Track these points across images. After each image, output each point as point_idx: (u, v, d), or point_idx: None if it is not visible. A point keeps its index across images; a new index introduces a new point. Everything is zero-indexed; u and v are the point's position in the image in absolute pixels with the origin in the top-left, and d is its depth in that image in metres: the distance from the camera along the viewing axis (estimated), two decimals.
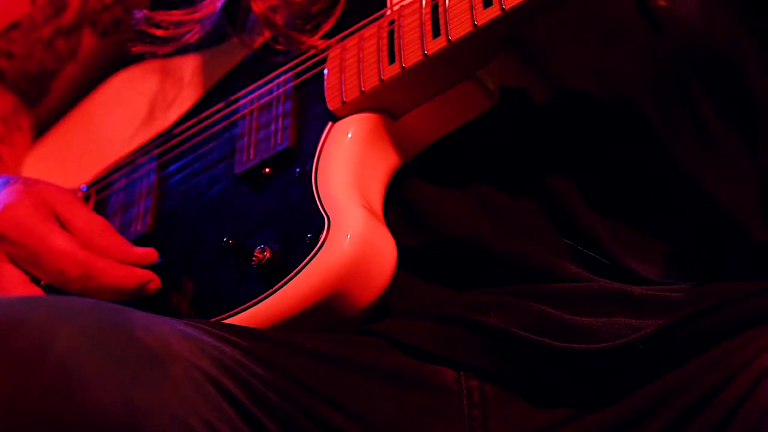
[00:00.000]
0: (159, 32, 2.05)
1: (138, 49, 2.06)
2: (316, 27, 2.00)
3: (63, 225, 1.94)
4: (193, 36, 2.04)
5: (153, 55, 2.07)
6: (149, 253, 1.96)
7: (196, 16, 2.04)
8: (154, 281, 1.93)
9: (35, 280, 1.92)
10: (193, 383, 1.55)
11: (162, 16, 2.05)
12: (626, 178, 1.95)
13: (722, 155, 1.97)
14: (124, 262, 1.92)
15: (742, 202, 1.95)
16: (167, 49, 2.05)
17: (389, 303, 1.87)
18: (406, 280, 1.89)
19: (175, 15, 2.05)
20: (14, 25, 2.28)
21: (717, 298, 1.74)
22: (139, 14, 2.06)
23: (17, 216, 1.91)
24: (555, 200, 1.92)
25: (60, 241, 1.89)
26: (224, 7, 2.05)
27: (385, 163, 1.92)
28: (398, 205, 1.94)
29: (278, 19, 2.00)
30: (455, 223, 1.92)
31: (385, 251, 1.82)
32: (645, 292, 1.82)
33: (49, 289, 1.93)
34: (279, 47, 2.03)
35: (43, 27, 2.28)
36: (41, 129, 2.38)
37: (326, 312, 1.80)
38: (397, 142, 1.93)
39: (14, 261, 1.91)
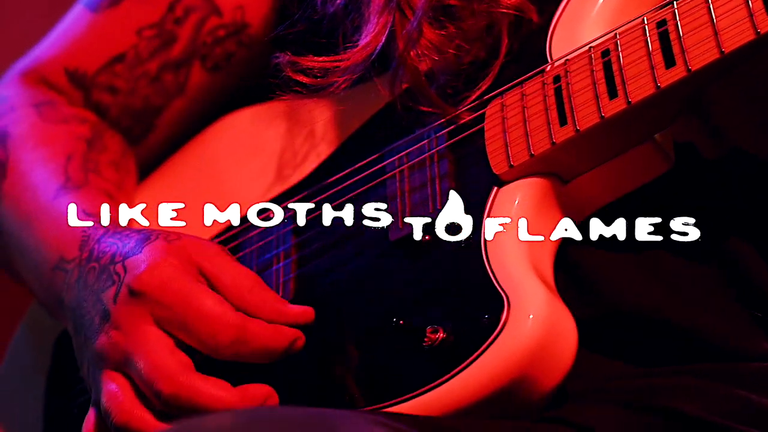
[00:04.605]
0: (305, 80, 1.87)
1: (285, 97, 1.88)
2: (469, 83, 1.86)
3: (210, 282, 1.80)
4: (340, 86, 1.87)
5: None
6: (306, 312, 1.82)
7: (345, 64, 1.86)
8: (301, 339, 1.80)
9: (181, 345, 1.78)
10: None
11: (309, 62, 1.88)
12: None
13: None
14: (278, 322, 1.80)
15: None
16: (313, 98, 1.89)
17: None
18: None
19: (324, 62, 1.87)
20: (118, 58, 2.14)
21: None
22: (284, 58, 1.88)
23: (163, 276, 1.77)
24: (736, 264, 1.80)
25: (210, 303, 1.76)
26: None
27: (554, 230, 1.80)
28: (564, 273, 1.82)
29: (424, 68, 1.85)
30: (627, 292, 1.80)
31: (567, 331, 1.71)
32: None
33: (196, 357, 1.78)
34: (421, 107, 1.88)
35: (150, 61, 2.13)
36: (142, 169, 2.24)
37: (508, 399, 1.68)
38: (566, 207, 1.80)
39: (160, 324, 1.77)
